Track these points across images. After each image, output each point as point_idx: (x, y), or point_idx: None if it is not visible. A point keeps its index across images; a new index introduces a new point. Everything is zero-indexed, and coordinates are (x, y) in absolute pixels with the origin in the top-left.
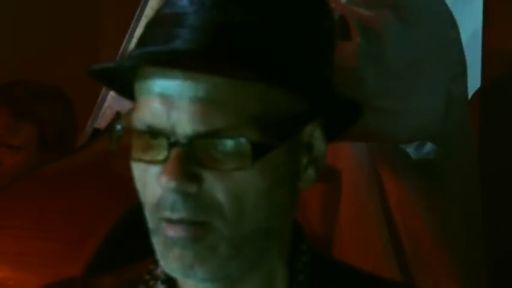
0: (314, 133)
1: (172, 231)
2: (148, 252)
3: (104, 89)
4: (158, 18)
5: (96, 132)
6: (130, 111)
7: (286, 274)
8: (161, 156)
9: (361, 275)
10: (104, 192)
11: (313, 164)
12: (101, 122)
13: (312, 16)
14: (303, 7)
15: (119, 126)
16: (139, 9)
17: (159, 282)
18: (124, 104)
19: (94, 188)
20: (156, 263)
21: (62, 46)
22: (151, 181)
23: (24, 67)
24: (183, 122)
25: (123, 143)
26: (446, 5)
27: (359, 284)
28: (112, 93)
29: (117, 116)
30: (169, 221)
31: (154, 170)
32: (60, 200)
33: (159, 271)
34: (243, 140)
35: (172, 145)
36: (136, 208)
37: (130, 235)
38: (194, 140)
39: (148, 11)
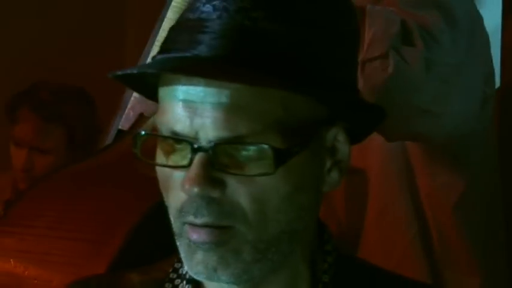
0: (337, 136)
1: (196, 235)
2: (172, 251)
3: (127, 91)
4: (182, 23)
5: (120, 133)
6: (155, 116)
7: (309, 275)
8: (185, 161)
9: (386, 275)
10: (127, 191)
11: (336, 166)
12: (124, 123)
13: (334, 23)
14: (326, 14)
15: (143, 132)
16: (163, 11)
17: (184, 282)
18: (147, 106)
19: (117, 187)
20: (181, 261)
21: (87, 47)
22: (175, 186)
23: (49, 68)
24: (206, 127)
25: (147, 146)
26: (479, 12)
27: (384, 285)
28: (135, 95)
29: (141, 117)
30: (193, 225)
31: (178, 175)
32: (84, 199)
33: (184, 270)
34: (265, 146)
35: (195, 150)
36: (159, 207)
37: (153, 234)
38: (217, 145)
39: (171, 13)
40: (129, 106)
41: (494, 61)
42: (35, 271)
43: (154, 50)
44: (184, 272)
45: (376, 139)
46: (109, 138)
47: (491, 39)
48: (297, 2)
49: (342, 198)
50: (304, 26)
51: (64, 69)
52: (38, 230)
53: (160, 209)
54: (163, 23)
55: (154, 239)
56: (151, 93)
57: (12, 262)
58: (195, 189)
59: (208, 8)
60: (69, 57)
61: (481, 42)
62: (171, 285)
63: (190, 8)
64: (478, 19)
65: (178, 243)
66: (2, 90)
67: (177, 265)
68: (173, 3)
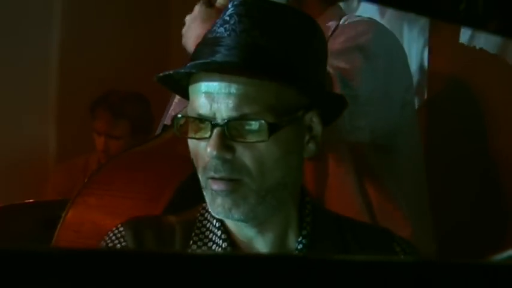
0: (313, 118)
1: (216, 186)
2: (197, 203)
3: (171, 97)
4: (204, 41)
5: (165, 126)
6: (186, 107)
7: (297, 216)
8: (207, 134)
9: (347, 219)
10: (170, 166)
11: (313, 140)
12: (168, 120)
13: (309, 38)
14: (303, 31)
15: (179, 115)
16: None
17: (214, 220)
18: (183, 108)
19: (164, 162)
20: (204, 208)
21: (144, 62)
22: (201, 152)
23: (118, 79)
24: (221, 110)
25: (182, 129)
26: (398, 41)
27: (346, 225)
28: (175, 100)
29: (174, 118)
30: (214, 178)
31: (203, 144)
32: (142, 171)
33: (208, 214)
34: (262, 121)
35: (213, 126)
36: (190, 179)
37: (188, 194)
38: (229, 122)
39: None
40: (171, 108)
41: (422, 78)
42: (110, 220)
43: None
44: (208, 216)
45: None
46: (158, 130)
47: (419, 64)
48: (283, 25)
49: (311, 179)
50: (288, 41)
51: (130, 79)
52: (111, 191)
53: (191, 181)
54: None
55: (190, 198)
56: (184, 94)
57: (93, 214)
58: (214, 152)
59: (221, 29)
60: (133, 70)
61: (401, 64)
62: (200, 224)
63: (209, 31)
64: (397, 48)
65: (204, 193)
66: (86, 95)
67: (202, 211)
68: None
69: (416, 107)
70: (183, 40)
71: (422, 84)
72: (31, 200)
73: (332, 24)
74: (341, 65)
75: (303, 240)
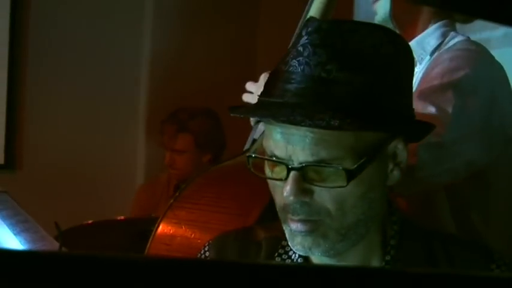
0: (398, 145)
1: (295, 226)
2: None
3: None
4: (277, 72)
5: (255, 141)
6: (261, 139)
7: (380, 241)
8: (283, 175)
9: (442, 235)
10: (260, 181)
11: (397, 167)
12: (257, 135)
13: (394, 62)
14: (384, 61)
15: (253, 155)
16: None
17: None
18: None
19: (253, 178)
20: None
21: (227, 79)
22: (278, 190)
23: (203, 94)
24: (297, 153)
25: (257, 166)
26: (502, 71)
27: (439, 242)
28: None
29: (248, 157)
30: (292, 219)
31: (279, 183)
32: (231, 186)
33: None
34: (340, 168)
35: (289, 170)
36: None
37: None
38: (305, 166)
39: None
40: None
41: None
42: (199, 234)
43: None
44: None
45: None
46: (247, 144)
47: None
48: (361, 54)
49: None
50: (367, 73)
51: (215, 99)
52: (201, 206)
53: None
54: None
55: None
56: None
57: (183, 228)
58: (291, 198)
59: (294, 62)
60: (216, 87)
61: (505, 98)
62: (285, 243)
63: (283, 61)
64: (501, 80)
65: (283, 228)
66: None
67: None
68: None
69: None
70: None
71: None
72: (122, 217)
73: (434, 42)
74: (428, 110)
75: (386, 266)
